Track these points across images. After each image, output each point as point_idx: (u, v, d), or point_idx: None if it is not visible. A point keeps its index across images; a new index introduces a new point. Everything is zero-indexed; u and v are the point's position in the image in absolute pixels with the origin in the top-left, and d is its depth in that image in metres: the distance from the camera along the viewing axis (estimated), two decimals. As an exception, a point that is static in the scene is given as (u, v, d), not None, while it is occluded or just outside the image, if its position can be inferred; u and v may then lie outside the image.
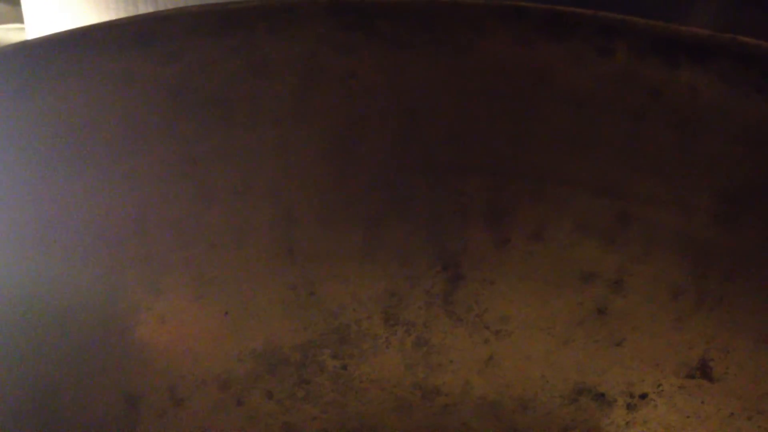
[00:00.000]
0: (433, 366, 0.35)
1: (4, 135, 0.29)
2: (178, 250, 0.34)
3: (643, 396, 0.34)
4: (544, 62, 0.33)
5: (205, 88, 0.33)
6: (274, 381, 0.34)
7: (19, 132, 0.30)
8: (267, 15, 0.32)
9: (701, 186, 0.32)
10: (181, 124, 0.33)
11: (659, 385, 0.34)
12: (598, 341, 0.34)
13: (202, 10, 0.31)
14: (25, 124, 0.30)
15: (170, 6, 0.40)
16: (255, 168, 0.34)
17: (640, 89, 0.32)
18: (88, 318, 0.31)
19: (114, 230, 0.32)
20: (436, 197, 0.35)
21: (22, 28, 0.65)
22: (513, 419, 0.34)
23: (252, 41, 0.32)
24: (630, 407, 0.34)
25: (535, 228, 0.35)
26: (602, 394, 0.34)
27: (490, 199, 0.35)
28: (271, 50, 0.33)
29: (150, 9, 0.41)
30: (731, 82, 0.31)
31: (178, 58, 0.32)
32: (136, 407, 0.32)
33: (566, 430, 0.34)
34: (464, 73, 0.34)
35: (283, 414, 0.34)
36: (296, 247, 0.35)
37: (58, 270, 0.30)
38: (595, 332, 0.35)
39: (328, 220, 0.35)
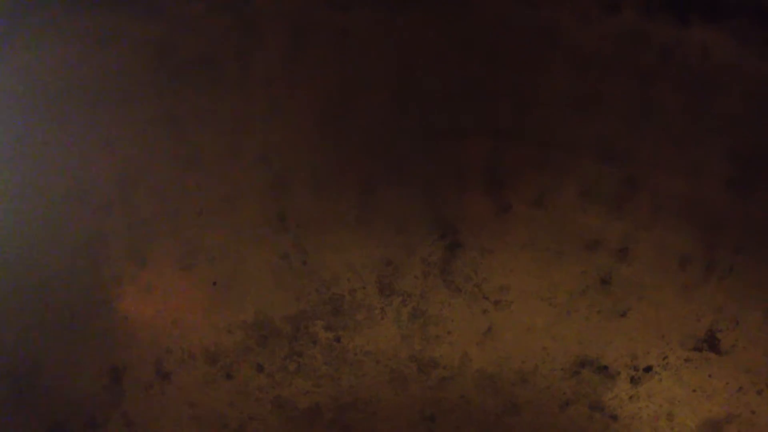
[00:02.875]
0: (430, 338, 0.35)
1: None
2: (164, 218, 0.33)
3: (648, 369, 0.33)
4: (548, 20, 0.32)
5: (191, 46, 0.32)
6: (264, 353, 0.34)
7: (-10, 93, 0.29)
8: (256, -32, 0.31)
9: (713, 150, 0.32)
10: (165, 85, 0.32)
11: (665, 358, 0.33)
12: (601, 312, 0.34)
13: (187, -38, 0.30)
14: (-5, 84, 0.29)
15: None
16: (244, 131, 0.34)
17: (649, 49, 0.31)
18: (69, 289, 0.30)
19: (96, 197, 0.32)
20: (434, 162, 0.35)
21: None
22: (512, 392, 0.34)
23: (240, -4, 0.31)
24: (634, 380, 0.33)
25: (538, 194, 0.34)
26: (605, 367, 0.34)
27: (490, 163, 0.34)
28: (260, 6, 0.32)
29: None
30: (745, 41, 0.30)
31: (161, 15, 0.31)
32: (121, 381, 0.31)
33: (567, 404, 0.33)
34: (463, 31, 0.33)
35: (274, 388, 0.33)
36: (288, 214, 0.34)
37: (36, 238, 0.30)
38: (598, 302, 0.34)
39: (322, 185, 0.35)
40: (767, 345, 0.32)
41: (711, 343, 0.33)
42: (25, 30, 0.29)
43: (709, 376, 0.32)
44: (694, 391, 0.33)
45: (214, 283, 0.34)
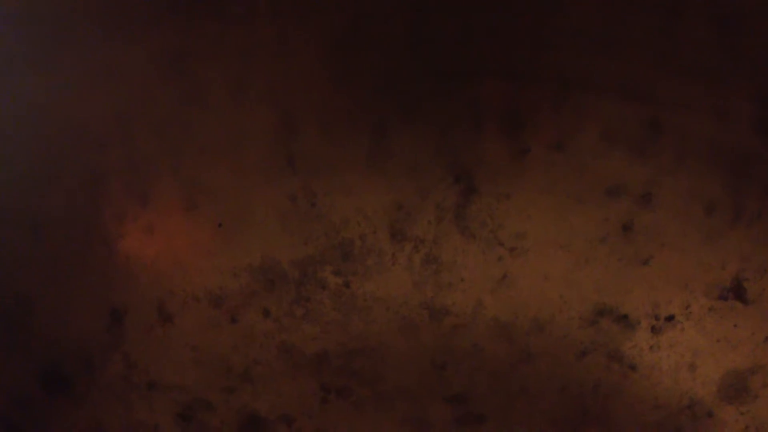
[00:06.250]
0: (443, 284, 0.34)
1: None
2: (167, 156, 0.32)
3: (670, 318, 0.32)
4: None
5: (195, -23, 0.31)
6: (271, 298, 0.33)
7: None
8: None
9: (742, 90, 0.31)
10: (169, 16, 0.31)
11: (688, 307, 0.32)
12: (622, 259, 0.33)
13: None
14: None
15: None
16: (251, 68, 0.33)
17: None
18: (66, 227, 0.30)
19: (95, 132, 0.31)
20: (449, 102, 0.34)
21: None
22: (527, 341, 0.33)
23: None
24: (655, 330, 0.33)
25: (557, 137, 0.34)
26: (625, 316, 0.33)
27: (507, 104, 0.34)
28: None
29: None
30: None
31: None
32: (121, 323, 0.31)
33: (584, 354, 0.33)
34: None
35: (281, 333, 0.33)
36: (296, 154, 0.34)
37: (31, 177, 0.29)
38: (619, 250, 0.33)
39: (331, 126, 0.34)
40: (796, 294, 0.31)
41: (737, 291, 0.32)
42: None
43: (735, 326, 0.32)
44: (718, 341, 0.32)
45: (220, 225, 0.33)
